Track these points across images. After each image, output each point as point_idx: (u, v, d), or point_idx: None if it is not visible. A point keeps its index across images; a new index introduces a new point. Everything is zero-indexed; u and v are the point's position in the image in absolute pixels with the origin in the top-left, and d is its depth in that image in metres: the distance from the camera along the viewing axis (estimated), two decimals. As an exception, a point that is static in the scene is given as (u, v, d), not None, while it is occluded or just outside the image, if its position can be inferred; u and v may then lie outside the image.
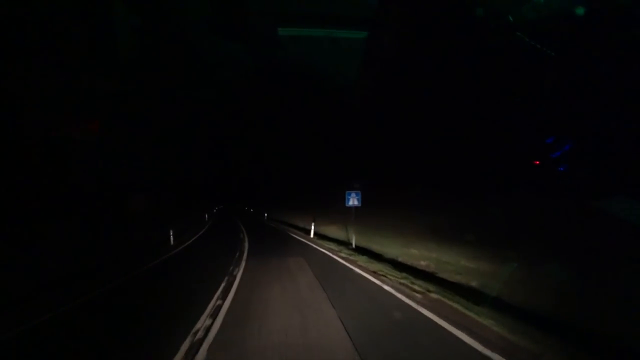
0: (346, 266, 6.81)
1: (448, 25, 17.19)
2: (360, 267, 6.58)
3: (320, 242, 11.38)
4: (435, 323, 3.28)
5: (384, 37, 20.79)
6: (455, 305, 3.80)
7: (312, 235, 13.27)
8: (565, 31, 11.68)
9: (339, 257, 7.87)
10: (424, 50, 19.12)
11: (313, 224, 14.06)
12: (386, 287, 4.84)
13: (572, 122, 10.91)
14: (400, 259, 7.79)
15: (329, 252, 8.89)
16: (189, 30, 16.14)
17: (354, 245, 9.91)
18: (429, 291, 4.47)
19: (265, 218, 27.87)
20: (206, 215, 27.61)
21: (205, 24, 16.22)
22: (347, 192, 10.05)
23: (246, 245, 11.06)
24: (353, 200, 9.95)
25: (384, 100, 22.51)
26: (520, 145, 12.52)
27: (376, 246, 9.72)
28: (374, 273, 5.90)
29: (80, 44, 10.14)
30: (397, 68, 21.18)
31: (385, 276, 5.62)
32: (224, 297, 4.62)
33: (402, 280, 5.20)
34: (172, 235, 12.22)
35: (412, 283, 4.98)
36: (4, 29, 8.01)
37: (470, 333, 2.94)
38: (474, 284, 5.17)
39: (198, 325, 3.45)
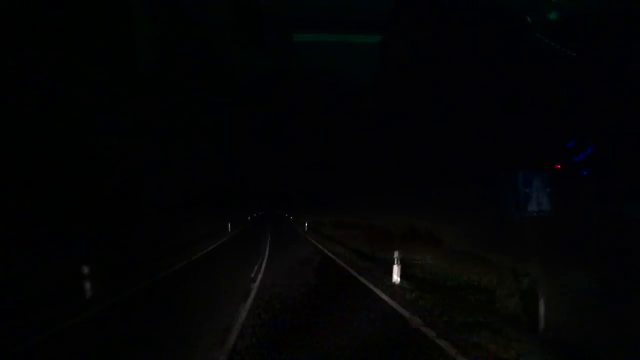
0: None
1: (464, 27, 16.90)
2: None
3: (444, 326, 3.81)
4: None
5: (399, 41, 20.92)
6: None
7: (397, 279, 5.96)
8: (589, 30, 10.88)
9: None
10: (440, 52, 18.92)
11: (397, 263, 6.09)
12: None
13: (595, 125, 10.03)
14: None
15: None
16: (206, 38, 16.13)
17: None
18: None
19: (305, 229, 21.39)
20: (229, 225, 21.77)
21: (222, 31, 16.28)
22: (521, 173, 3.95)
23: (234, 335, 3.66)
24: (540, 199, 3.75)
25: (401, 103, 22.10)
26: (539, 148, 11.27)
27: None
28: None
29: (102, 53, 10.01)
30: (413, 71, 21.06)
31: None
32: None
33: None
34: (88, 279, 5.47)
35: None
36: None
37: None
38: None
39: None
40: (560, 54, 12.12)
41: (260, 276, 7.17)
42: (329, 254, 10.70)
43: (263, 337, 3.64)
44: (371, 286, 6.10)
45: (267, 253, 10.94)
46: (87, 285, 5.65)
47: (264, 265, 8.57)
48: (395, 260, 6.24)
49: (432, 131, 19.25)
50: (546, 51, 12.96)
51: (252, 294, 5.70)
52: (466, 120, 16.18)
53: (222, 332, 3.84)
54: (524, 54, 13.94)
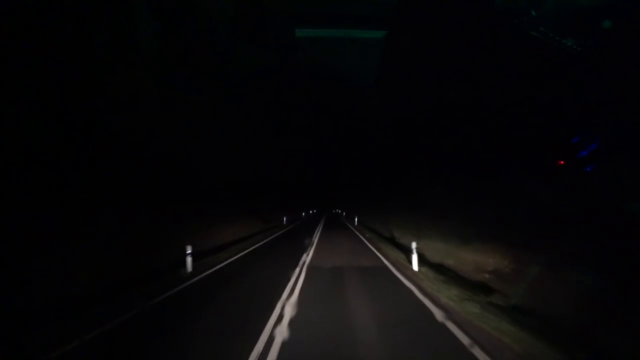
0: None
1: (468, 22, 16.60)
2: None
3: None
4: None
5: (404, 35, 20.15)
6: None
7: None
8: (594, 24, 10.74)
9: None
10: (444, 48, 18.28)
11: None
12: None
13: (599, 120, 9.89)
14: None
15: None
16: (210, 34, 15.59)
17: None
18: None
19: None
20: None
21: (226, 28, 16.02)
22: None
23: None
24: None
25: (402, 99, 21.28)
26: (542, 144, 11.29)
27: None
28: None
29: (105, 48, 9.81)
30: (417, 66, 20.30)
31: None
32: None
33: None
34: None
35: None
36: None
37: None
38: None
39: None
40: (563, 48, 11.90)
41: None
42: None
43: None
44: None
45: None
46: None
47: None
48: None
49: (433, 128, 18.83)
50: (550, 45, 12.72)
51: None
52: (468, 116, 15.85)
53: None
54: (528, 49, 13.66)
